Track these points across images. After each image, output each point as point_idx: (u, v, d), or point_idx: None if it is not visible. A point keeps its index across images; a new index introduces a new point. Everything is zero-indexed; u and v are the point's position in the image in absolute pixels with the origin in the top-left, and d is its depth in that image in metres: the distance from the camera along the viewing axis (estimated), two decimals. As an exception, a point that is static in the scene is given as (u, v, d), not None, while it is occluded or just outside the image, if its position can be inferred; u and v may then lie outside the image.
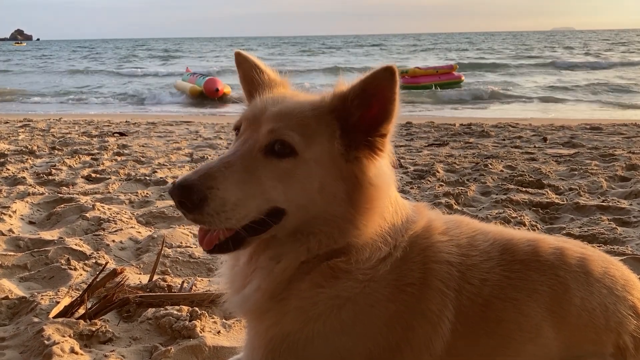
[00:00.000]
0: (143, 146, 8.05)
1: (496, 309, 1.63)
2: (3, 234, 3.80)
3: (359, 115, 1.54)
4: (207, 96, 19.73)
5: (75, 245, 3.55)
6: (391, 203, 1.67)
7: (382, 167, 1.60)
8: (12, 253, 3.45)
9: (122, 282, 2.81)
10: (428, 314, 1.58)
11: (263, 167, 1.50)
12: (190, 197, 1.42)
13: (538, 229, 4.01)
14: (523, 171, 5.95)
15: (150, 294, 2.81)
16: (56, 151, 7.46)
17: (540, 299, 1.66)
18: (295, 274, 1.59)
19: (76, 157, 6.96)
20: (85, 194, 5.08)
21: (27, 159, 6.75)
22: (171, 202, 4.76)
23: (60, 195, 4.89)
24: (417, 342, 1.58)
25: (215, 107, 19.01)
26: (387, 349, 1.57)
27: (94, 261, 3.35)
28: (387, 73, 1.44)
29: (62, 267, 3.23)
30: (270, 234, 1.57)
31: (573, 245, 1.84)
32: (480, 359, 1.65)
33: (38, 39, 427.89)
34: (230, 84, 20.35)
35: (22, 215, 4.33)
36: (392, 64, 1.42)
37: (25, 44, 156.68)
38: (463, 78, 23.64)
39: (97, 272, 2.88)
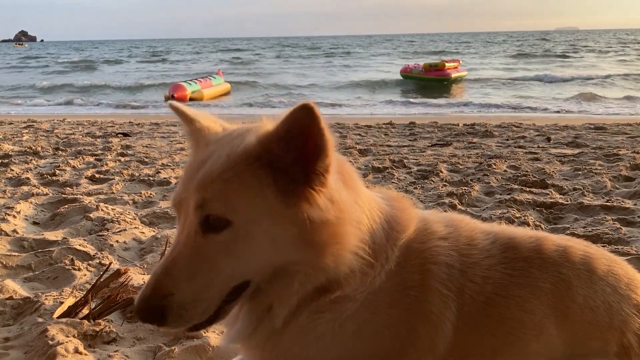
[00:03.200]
0: (146, 147, 8.07)
1: (499, 307, 1.63)
2: (7, 235, 3.81)
3: (290, 157, 1.37)
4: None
5: (79, 245, 3.55)
6: (367, 220, 1.56)
7: (333, 196, 1.44)
8: (16, 253, 3.46)
9: (126, 283, 2.81)
10: (430, 315, 1.57)
11: (207, 248, 1.40)
12: (152, 316, 1.39)
13: (542, 229, 4.00)
14: (527, 171, 5.94)
15: (154, 294, 2.81)
16: (60, 152, 7.48)
17: (543, 297, 1.65)
18: (292, 313, 1.54)
19: (80, 157, 6.97)
20: (89, 194, 5.09)
21: (31, 160, 6.77)
22: (175, 203, 4.77)
23: (64, 195, 4.90)
24: (421, 344, 1.57)
25: (218, 108, 19.04)
26: (393, 352, 1.56)
27: (97, 261, 3.35)
28: (305, 111, 1.29)
29: (66, 267, 3.23)
30: (246, 296, 1.51)
31: (576, 243, 1.83)
32: (483, 357, 1.64)
33: (42, 40, 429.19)
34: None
35: (26, 215, 4.34)
36: (308, 102, 1.28)
37: (26, 45, 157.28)
38: (466, 73, 24.17)
39: (101, 273, 2.89)
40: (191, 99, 19.74)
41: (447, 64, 23.26)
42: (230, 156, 1.40)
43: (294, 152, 1.36)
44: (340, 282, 1.52)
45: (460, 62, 25.32)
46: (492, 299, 1.62)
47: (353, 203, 1.52)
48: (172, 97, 19.08)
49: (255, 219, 1.38)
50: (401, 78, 24.54)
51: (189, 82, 20.57)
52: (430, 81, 22.56)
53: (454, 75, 22.82)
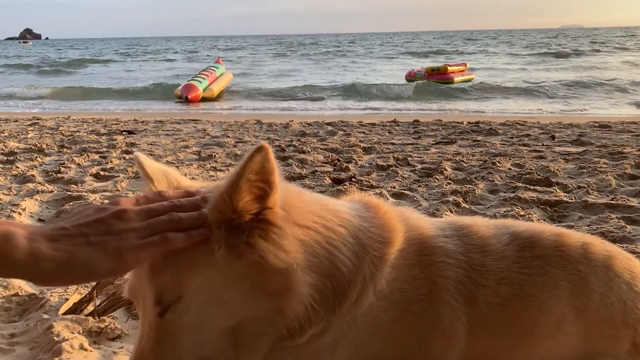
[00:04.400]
0: (151, 144, 8.08)
1: (515, 307, 1.60)
2: (13, 232, 3.82)
3: (241, 208, 1.28)
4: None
5: (84, 242, 3.56)
6: (324, 247, 1.43)
7: (282, 235, 1.33)
8: (22, 250, 3.48)
9: (131, 280, 2.82)
10: (440, 327, 1.54)
11: (166, 329, 1.33)
12: None
13: (546, 227, 3.99)
14: (531, 169, 5.93)
15: (159, 291, 2.82)
16: (65, 149, 7.50)
17: (561, 295, 1.63)
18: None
19: (85, 155, 7.00)
20: (93, 191, 5.11)
21: (36, 157, 6.80)
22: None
23: (69, 193, 4.92)
24: (431, 353, 1.55)
25: (223, 106, 19.05)
26: None
27: (102, 258, 3.36)
28: (263, 152, 1.22)
29: (71, 264, 3.24)
30: None
31: (593, 239, 1.82)
32: (499, 358, 1.64)
33: (47, 38, 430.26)
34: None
35: (31, 212, 4.37)
36: (262, 143, 1.22)
37: (31, 43, 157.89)
38: (473, 76, 24.13)
39: (106, 270, 2.90)
40: (203, 99, 19.66)
41: (449, 68, 23.30)
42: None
43: (247, 202, 1.28)
44: (304, 325, 1.41)
45: (467, 65, 25.21)
46: (509, 300, 1.60)
47: (299, 243, 1.38)
48: (186, 99, 18.99)
49: (205, 284, 1.31)
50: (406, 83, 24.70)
51: (198, 79, 20.44)
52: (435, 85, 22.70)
53: (457, 79, 22.80)
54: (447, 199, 4.69)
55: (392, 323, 1.52)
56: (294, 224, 1.38)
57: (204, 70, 21.98)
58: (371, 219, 1.58)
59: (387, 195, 4.82)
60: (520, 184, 5.26)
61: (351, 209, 1.57)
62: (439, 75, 22.84)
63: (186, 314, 1.32)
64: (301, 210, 1.43)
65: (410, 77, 24.23)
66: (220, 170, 6.14)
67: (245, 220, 1.29)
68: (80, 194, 4.88)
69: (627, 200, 4.59)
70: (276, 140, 8.54)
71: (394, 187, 5.25)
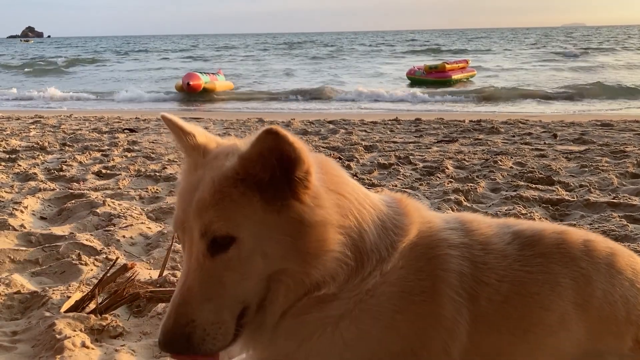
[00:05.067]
0: (153, 142, 8.09)
1: (517, 305, 1.62)
2: (15, 229, 3.83)
3: (268, 174, 1.44)
4: (188, 91, 19.31)
5: (86, 240, 3.57)
6: (354, 220, 1.58)
7: (319, 200, 1.49)
8: (24, 248, 3.49)
9: (133, 277, 2.82)
10: (442, 320, 1.57)
11: (217, 269, 1.46)
12: (177, 345, 1.45)
13: (548, 225, 3.99)
14: (533, 168, 5.92)
15: (161, 289, 2.82)
16: (67, 147, 7.51)
17: (563, 292, 1.64)
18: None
19: (86, 153, 7.00)
20: (95, 189, 5.12)
21: (38, 155, 6.81)
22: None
23: (71, 191, 4.93)
24: (434, 348, 1.57)
25: (225, 103, 19.06)
26: (403, 357, 1.56)
27: (104, 256, 3.37)
28: (270, 136, 1.37)
29: (73, 262, 3.25)
30: (252, 314, 1.55)
31: (595, 237, 1.82)
32: (502, 355, 1.64)
33: (49, 36, 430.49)
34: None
35: (33, 210, 4.37)
36: (272, 127, 1.36)
37: (32, 41, 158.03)
38: (475, 72, 24.22)
39: (108, 267, 2.90)
40: (204, 90, 19.67)
41: (447, 66, 23.44)
42: (216, 180, 1.46)
43: (270, 169, 1.44)
44: (323, 283, 1.54)
45: (469, 62, 25.28)
46: (510, 298, 1.62)
47: (335, 205, 1.54)
48: (188, 85, 18.98)
49: (254, 231, 1.45)
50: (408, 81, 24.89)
51: (201, 73, 20.50)
52: (433, 84, 22.80)
53: (455, 76, 22.90)
54: (448, 197, 4.69)
55: (395, 312, 1.56)
56: (330, 189, 1.55)
57: (207, 72, 22.10)
58: (395, 208, 1.70)
59: (389, 194, 4.81)
60: (522, 183, 5.26)
61: (378, 196, 1.73)
62: (437, 74, 23.09)
63: (236, 259, 1.45)
64: (338, 180, 1.62)
65: (411, 74, 24.48)
66: (222, 169, 6.14)
67: (281, 181, 1.45)
68: (82, 192, 4.89)
69: (629, 198, 4.58)
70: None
71: (396, 186, 5.25)
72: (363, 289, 1.55)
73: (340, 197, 1.57)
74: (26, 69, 35.45)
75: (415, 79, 23.90)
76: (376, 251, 1.58)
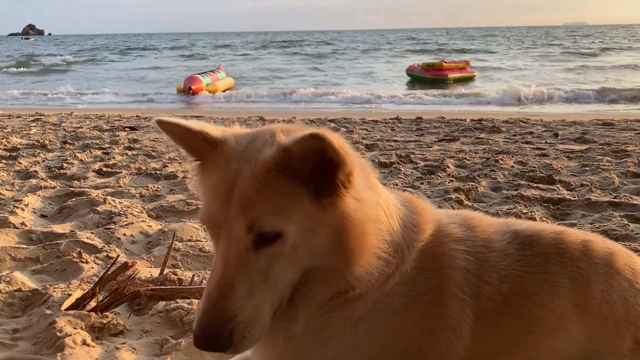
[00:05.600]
0: (154, 140, 8.09)
1: (517, 305, 1.62)
2: (16, 227, 3.83)
3: (308, 171, 1.41)
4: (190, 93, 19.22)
5: (87, 238, 3.57)
6: (386, 218, 1.58)
7: (360, 196, 1.49)
8: (25, 246, 3.49)
9: (133, 276, 2.82)
10: (448, 320, 1.57)
11: (261, 263, 1.42)
12: (219, 343, 1.39)
13: (549, 225, 3.99)
14: (534, 167, 5.91)
15: (161, 287, 2.82)
16: (67, 145, 7.51)
17: (562, 292, 1.64)
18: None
19: (87, 151, 7.00)
20: (96, 187, 5.12)
21: (39, 153, 6.81)
22: (181, 196, 4.79)
23: (71, 189, 4.93)
24: (439, 348, 1.57)
25: (226, 103, 19.04)
26: (408, 357, 1.57)
27: (105, 254, 3.37)
28: (314, 141, 1.32)
29: (74, 260, 3.26)
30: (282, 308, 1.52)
31: (594, 237, 1.82)
32: (502, 355, 1.64)
33: (49, 34, 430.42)
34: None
35: (34, 208, 4.37)
36: (317, 131, 1.31)
37: (32, 39, 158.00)
38: (475, 74, 24.31)
39: (109, 265, 2.90)
40: (206, 92, 19.64)
41: (445, 64, 23.57)
42: (258, 173, 1.40)
43: (309, 168, 1.39)
44: (359, 281, 1.52)
45: (470, 62, 25.33)
46: (510, 298, 1.62)
47: (374, 203, 1.54)
48: (190, 90, 18.97)
49: (300, 228, 1.42)
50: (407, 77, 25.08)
51: (202, 75, 20.47)
52: (429, 81, 22.97)
53: (452, 75, 23.00)
54: (449, 196, 4.69)
55: (404, 311, 1.56)
56: (369, 186, 1.55)
57: (207, 71, 22.05)
58: (409, 207, 1.70)
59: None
60: (523, 182, 5.25)
61: (394, 196, 1.71)
62: (434, 71, 23.34)
63: (281, 253, 1.42)
64: (373, 179, 1.61)
65: (410, 71, 24.91)
66: (223, 167, 6.14)
67: (324, 178, 1.41)
68: (83, 190, 4.89)
69: (630, 198, 4.58)
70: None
71: (397, 185, 5.25)
72: (384, 289, 1.55)
73: (376, 196, 1.57)
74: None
75: (414, 76, 24.23)
76: (400, 251, 1.58)
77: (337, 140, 1.34)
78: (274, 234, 1.40)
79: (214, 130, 1.57)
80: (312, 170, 1.40)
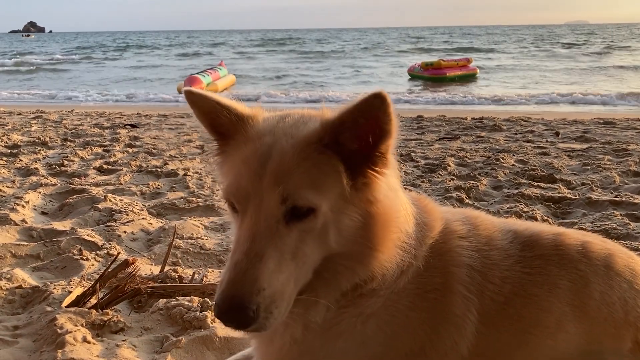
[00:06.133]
0: (154, 138, 8.09)
1: (517, 306, 1.62)
2: (16, 224, 3.84)
3: (355, 144, 1.41)
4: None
5: (87, 236, 3.58)
6: (405, 212, 1.59)
7: (390, 183, 1.50)
8: (25, 243, 3.49)
9: (134, 273, 2.83)
10: (452, 318, 1.57)
11: (290, 238, 1.38)
12: (245, 316, 1.31)
13: (550, 223, 3.98)
14: (535, 165, 5.91)
15: (162, 284, 2.82)
16: (68, 143, 7.51)
17: (561, 294, 1.64)
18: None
19: (88, 148, 7.00)
20: (97, 185, 5.12)
21: (39, 150, 6.81)
22: (182, 194, 4.79)
23: (72, 186, 4.93)
24: (443, 346, 1.57)
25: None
26: (412, 356, 1.56)
27: (105, 252, 3.37)
28: (378, 100, 1.32)
29: (74, 257, 3.26)
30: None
31: (593, 238, 1.82)
32: (501, 355, 1.64)
33: (50, 31, 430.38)
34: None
35: (34, 205, 4.37)
36: (381, 90, 1.31)
37: (33, 36, 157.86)
38: (477, 71, 24.37)
39: (109, 263, 2.90)
40: None
41: (443, 63, 23.68)
42: (297, 146, 1.40)
43: (358, 139, 1.39)
44: (376, 274, 1.52)
45: (471, 60, 25.38)
46: (511, 299, 1.62)
47: (398, 196, 1.56)
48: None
49: (334, 206, 1.40)
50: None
51: (202, 74, 20.41)
52: (428, 80, 23.08)
53: (450, 74, 23.07)
54: (450, 194, 4.68)
55: (410, 309, 1.56)
56: (395, 178, 1.54)
57: (208, 69, 21.96)
58: (419, 206, 1.70)
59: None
60: (524, 181, 5.25)
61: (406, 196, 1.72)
62: (433, 70, 23.50)
63: (312, 230, 1.40)
64: (397, 174, 1.58)
65: (410, 71, 25.16)
66: (224, 165, 6.13)
67: (363, 155, 1.42)
68: (84, 187, 4.89)
69: (631, 197, 4.57)
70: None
71: (412, 191, 5.24)
72: (397, 286, 1.55)
73: (399, 190, 1.58)
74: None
75: (414, 75, 24.45)
76: (413, 247, 1.58)
77: (392, 106, 1.35)
78: (307, 209, 1.37)
79: (242, 106, 1.57)
80: (358, 144, 1.40)
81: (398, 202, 1.55)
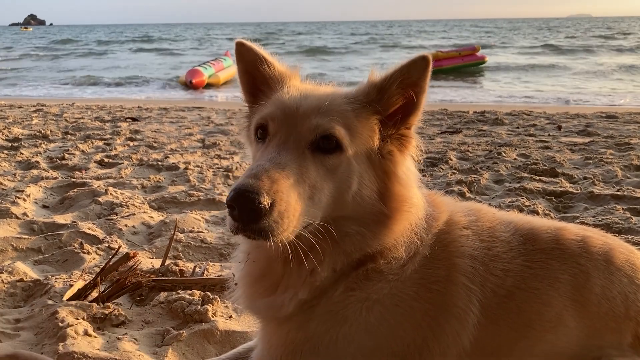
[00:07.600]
0: (155, 131, 8.08)
1: (518, 300, 1.62)
2: (17, 218, 3.83)
3: (394, 107, 1.49)
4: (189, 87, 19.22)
5: (88, 229, 3.57)
6: (417, 199, 1.62)
7: (409, 165, 1.57)
8: (27, 236, 3.49)
9: (135, 266, 2.82)
10: (455, 310, 1.57)
11: (312, 165, 1.42)
12: (261, 205, 1.28)
13: (551, 217, 3.98)
14: (537, 159, 5.90)
15: (163, 278, 2.82)
16: (69, 136, 7.50)
17: (562, 288, 1.64)
18: (331, 282, 1.55)
19: (89, 142, 6.99)
20: (98, 178, 5.11)
21: (40, 144, 6.80)
22: (183, 187, 4.78)
23: (73, 179, 4.93)
24: (445, 339, 1.57)
25: (228, 93, 18.99)
26: (414, 347, 1.56)
27: (106, 245, 3.37)
28: (424, 62, 1.41)
29: (76, 250, 3.26)
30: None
31: (594, 233, 1.82)
32: (502, 348, 1.64)
33: (51, 24, 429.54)
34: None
35: (36, 199, 4.37)
36: (428, 54, 1.40)
37: (31, 29, 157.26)
38: (487, 58, 23.91)
39: (110, 256, 2.90)
40: (208, 85, 19.59)
41: (441, 54, 23.47)
42: (343, 94, 1.51)
43: (397, 102, 1.49)
44: (384, 252, 1.55)
45: (479, 48, 24.95)
46: (512, 292, 1.62)
47: (414, 183, 1.61)
48: (190, 84, 18.95)
49: (359, 156, 1.47)
50: None
51: (204, 66, 20.36)
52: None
53: (448, 65, 22.92)
54: (452, 188, 4.67)
55: (414, 299, 1.56)
56: (413, 162, 1.62)
57: (211, 60, 21.88)
58: (427, 199, 1.71)
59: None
60: (526, 174, 5.24)
61: None
62: (470, 57, 23.37)
63: (336, 167, 1.45)
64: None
65: None
66: (224, 158, 6.13)
67: (394, 125, 1.51)
68: (85, 180, 4.88)
69: (633, 191, 4.56)
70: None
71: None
72: (402, 274, 1.57)
73: (415, 175, 1.63)
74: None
75: None
76: (420, 235, 1.61)
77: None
78: (335, 145, 1.43)
79: (285, 65, 1.70)
80: (394, 110, 1.49)
81: (414, 185, 1.59)
